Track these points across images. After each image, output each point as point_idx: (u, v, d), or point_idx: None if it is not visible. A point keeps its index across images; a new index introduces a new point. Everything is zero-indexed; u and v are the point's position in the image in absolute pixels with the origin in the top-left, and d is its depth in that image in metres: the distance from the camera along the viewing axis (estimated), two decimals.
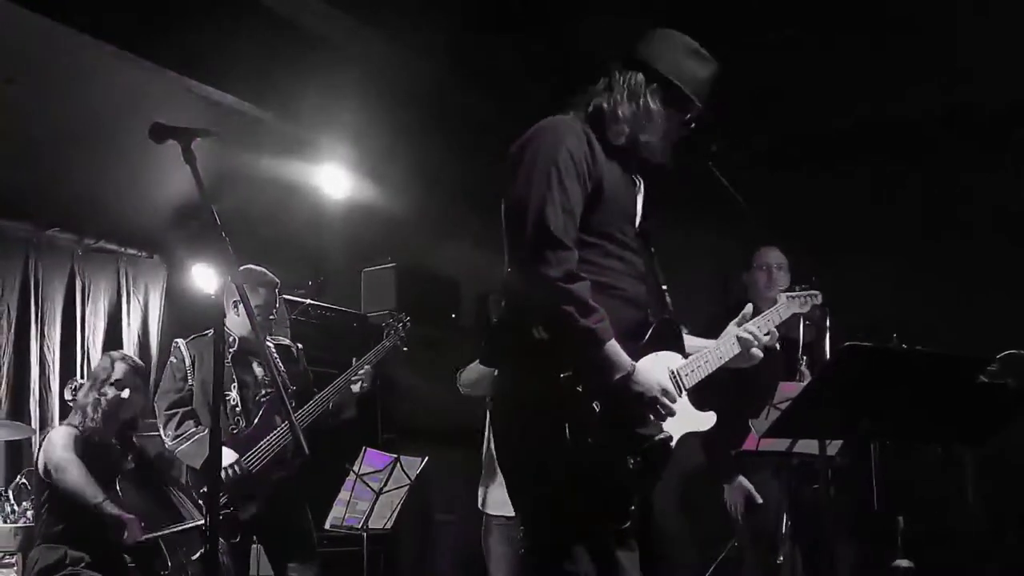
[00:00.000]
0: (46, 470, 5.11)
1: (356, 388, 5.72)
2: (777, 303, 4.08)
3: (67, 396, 5.53)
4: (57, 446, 5.13)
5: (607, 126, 3.44)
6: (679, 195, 6.49)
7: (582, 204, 3.27)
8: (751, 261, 5.81)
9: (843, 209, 7.54)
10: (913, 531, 5.83)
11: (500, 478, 6.05)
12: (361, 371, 5.72)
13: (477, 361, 6.34)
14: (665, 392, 3.26)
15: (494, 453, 6.12)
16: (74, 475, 5.11)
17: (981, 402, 3.70)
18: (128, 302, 8.60)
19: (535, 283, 3.15)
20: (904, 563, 5.69)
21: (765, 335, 3.69)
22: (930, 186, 7.46)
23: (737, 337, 3.63)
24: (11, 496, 6.11)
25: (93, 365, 7.84)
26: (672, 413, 3.27)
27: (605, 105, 3.46)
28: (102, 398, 5.26)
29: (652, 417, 3.25)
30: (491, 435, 6.25)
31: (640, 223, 3.54)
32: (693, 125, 3.57)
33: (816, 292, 4.28)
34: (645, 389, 3.21)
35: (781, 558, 5.31)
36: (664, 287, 3.57)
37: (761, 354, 3.68)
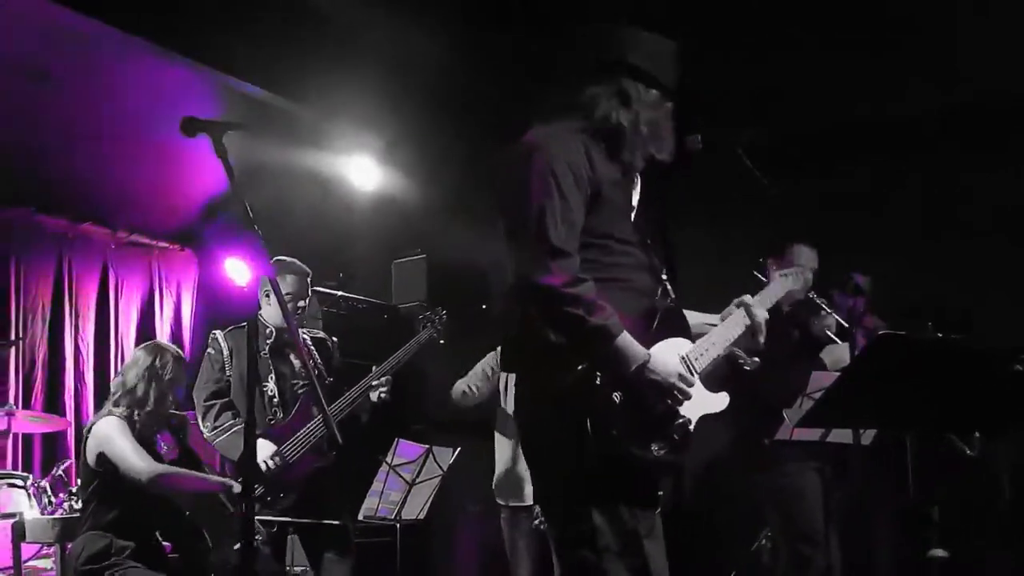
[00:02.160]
0: (101, 459, 5.08)
1: (374, 396, 5.63)
2: (771, 282, 4.09)
3: (115, 390, 5.51)
4: (130, 454, 5.04)
5: (630, 144, 3.44)
6: (707, 185, 6.51)
7: (583, 211, 3.28)
8: (783, 254, 5.73)
9: (843, 209, 7.49)
10: (948, 521, 5.79)
11: (520, 470, 6.10)
12: (383, 376, 5.67)
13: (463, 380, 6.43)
14: (681, 377, 3.29)
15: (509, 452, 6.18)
16: (183, 474, 5.10)
17: (1015, 392, 3.66)
18: (160, 295, 8.67)
19: (540, 293, 3.18)
20: (939, 553, 5.65)
21: (764, 315, 3.72)
22: (930, 186, 7.39)
23: (747, 323, 3.66)
24: (48, 487, 6.17)
25: (127, 357, 7.90)
26: (689, 397, 3.30)
27: (623, 122, 3.44)
28: (156, 390, 5.24)
29: (671, 403, 3.27)
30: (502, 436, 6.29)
31: (635, 216, 3.55)
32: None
33: (804, 267, 4.28)
34: (662, 376, 3.23)
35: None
36: (664, 276, 3.57)
37: (764, 332, 3.69)
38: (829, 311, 5.64)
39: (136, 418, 5.14)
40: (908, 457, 4.73)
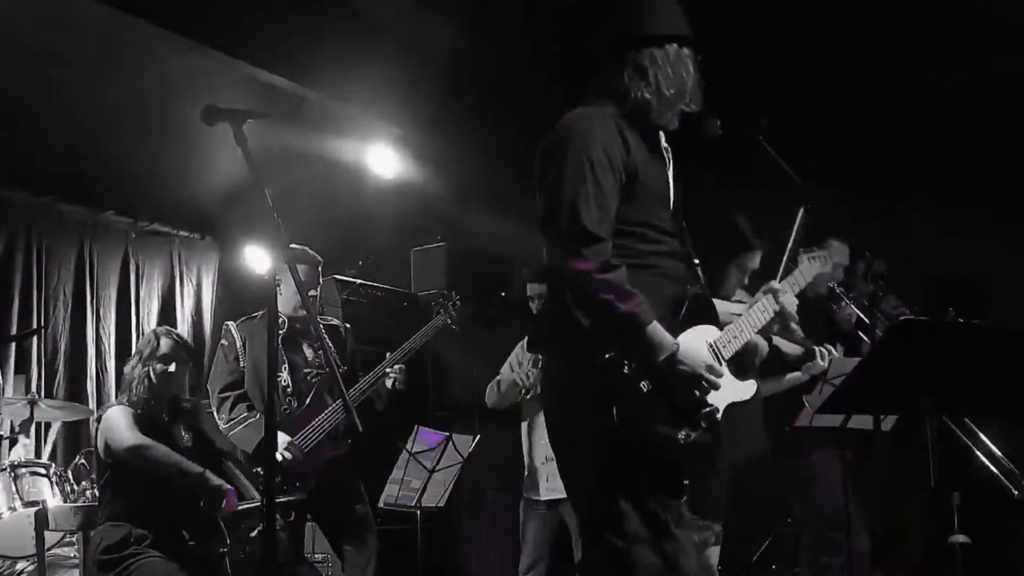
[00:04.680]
0: (108, 450, 5.11)
1: (389, 384, 5.65)
2: (799, 265, 4.08)
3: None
4: (122, 427, 5.10)
5: (659, 112, 3.42)
6: (729, 169, 6.49)
7: (617, 196, 3.28)
8: (817, 247, 5.68)
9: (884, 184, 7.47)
10: (969, 507, 5.77)
11: (532, 463, 6.08)
12: (396, 364, 5.66)
13: (496, 380, 6.39)
14: (710, 368, 3.27)
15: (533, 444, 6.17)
16: (161, 451, 5.09)
17: None
18: (181, 283, 8.70)
19: (572, 277, 3.18)
20: (961, 538, 5.63)
21: (794, 301, 3.73)
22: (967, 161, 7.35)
23: (775, 309, 3.66)
24: (71, 476, 6.20)
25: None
26: (717, 387, 3.29)
27: (647, 95, 3.40)
28: (150, 372, 5.26)
29: (699, 393, 3.26)
30: (530, 430, 6.26)
31: (674, 202, 3.53)
32: None
33: (832, 254, 4.27)
34: (691, 367, 3.23)
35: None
36: (696, 261, 3.58)
37: (796, 319, 3.70)
38: (849, 302, 5.63)
39: (137, 402, 5.16)
40: (929, 443, 4.71)
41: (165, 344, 5.29)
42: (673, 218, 3.51)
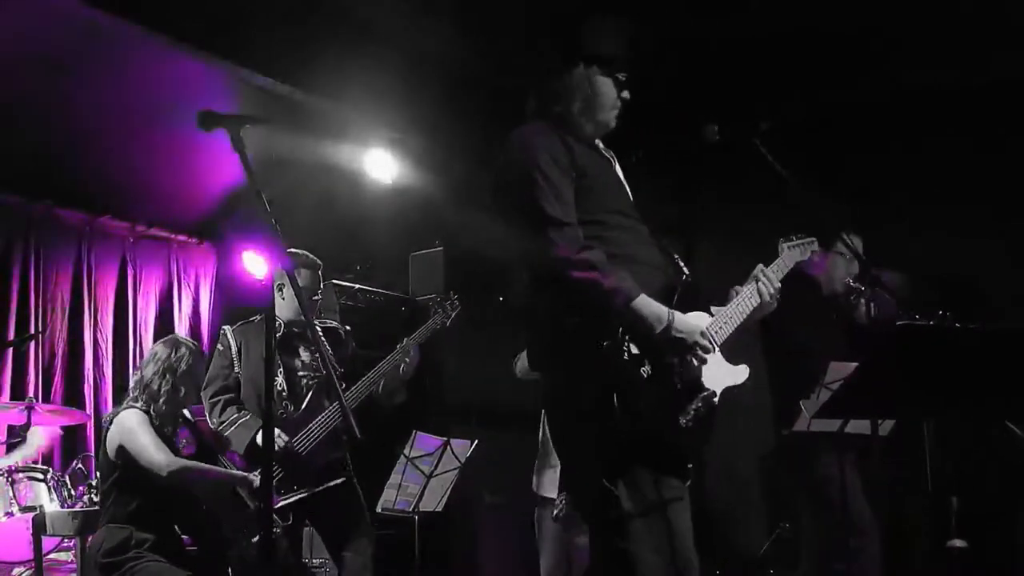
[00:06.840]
0: (121, 451, 5.08)
1: (401, 369, 5.63)
2: (780, 254, 4.12)
3: (133, 385, 5.52)
4: (148, 445, 5.05)
5: (574, 126, 3.61)
6: (728, 172, 6.50)
7: (571, 191, 3.42)
8: (830, 245, 5.67)
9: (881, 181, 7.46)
10: (967, 511, 5.77)
11: (553, 461, 6.06)
12: (407, 354, 5.64)
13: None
14: (703, 335, 3.36)
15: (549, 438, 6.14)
16: (201, 467, 5.06)
17: None
18: (179, 288, 8.70)
19: (553, 266, 3.29)
20: (959, 543, 5.63)
21: (777, 286, 3.80)
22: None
23: (757, 288, 3.73)
24: (68, 481, 6.19)
25: (146, 350, 7.92)
26: (704, 361, 3.36)
27: (559, 108, 3.62)
28: (175, 383, 5.24)
29: (694, 362, 3.34)
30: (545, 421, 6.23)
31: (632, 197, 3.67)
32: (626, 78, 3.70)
33: (813, 239, 4.30)
34: (687, 334, 3.31)
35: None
36: (675, 255, 3.66)
37: (773, 304, 3.75)
38: (863, 297, 5.62)
39: (153, 412, 5.15)
40: (927, 448, 4.72)
41: (188, 357, 5.28)
42: (637, 208, 3.64)
